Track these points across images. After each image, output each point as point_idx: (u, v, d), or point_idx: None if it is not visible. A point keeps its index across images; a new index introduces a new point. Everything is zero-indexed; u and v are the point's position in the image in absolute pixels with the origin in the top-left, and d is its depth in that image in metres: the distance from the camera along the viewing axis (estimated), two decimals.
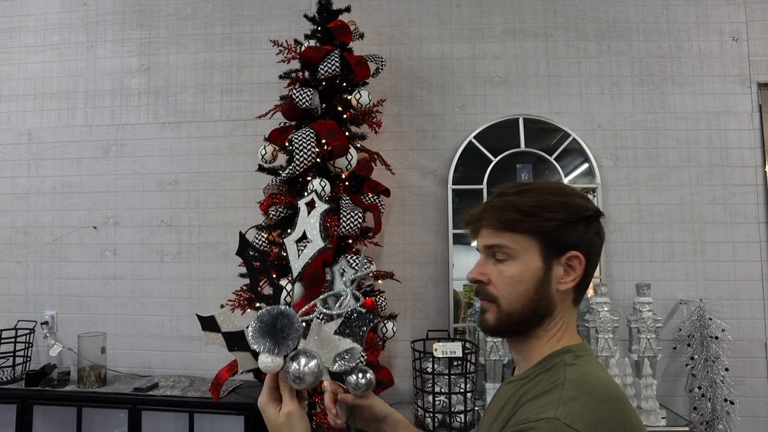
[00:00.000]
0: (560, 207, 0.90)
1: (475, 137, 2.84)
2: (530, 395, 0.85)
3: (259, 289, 2.49)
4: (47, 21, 3.20)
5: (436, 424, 2.20)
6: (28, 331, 2.88)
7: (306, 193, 2.31)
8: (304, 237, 1.07)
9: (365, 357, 1.40)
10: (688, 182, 2.82)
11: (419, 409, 2.28)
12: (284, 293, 1.19)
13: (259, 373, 1.38)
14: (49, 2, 3.22)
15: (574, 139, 2.81)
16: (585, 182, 2.81)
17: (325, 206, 1.03)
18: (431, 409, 2.19)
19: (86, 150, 3.10)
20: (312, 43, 2.54)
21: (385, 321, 2.45)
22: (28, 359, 2.85)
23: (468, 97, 2.93)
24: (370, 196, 2.49)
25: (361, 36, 2.65)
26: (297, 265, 1.05)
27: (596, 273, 2.69)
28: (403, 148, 2.93)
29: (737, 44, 2.87)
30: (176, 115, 3.06)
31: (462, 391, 2.22)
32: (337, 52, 2.40)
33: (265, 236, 2.41)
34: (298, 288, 2.28)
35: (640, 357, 2.29)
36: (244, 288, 2.45)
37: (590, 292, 2.60)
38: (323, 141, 2.29)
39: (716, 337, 2.53)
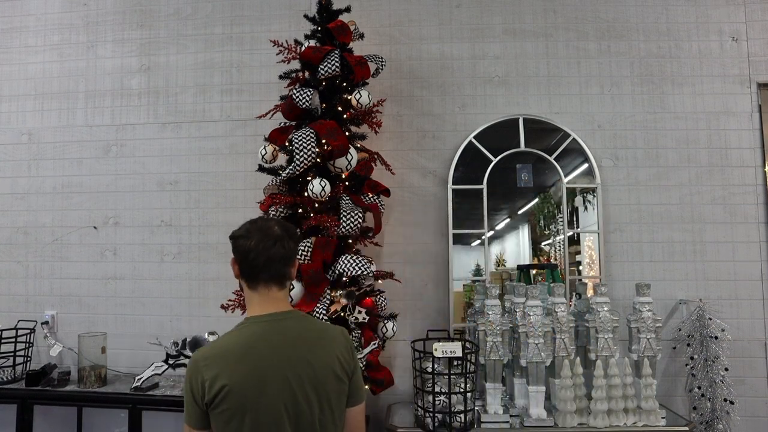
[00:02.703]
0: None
1: (475, 137, 2.84)
2: None
3: None
4: (47, 21, 3.21)
5: (436, 424, 2.20)
6: (29, 331, 2.88)
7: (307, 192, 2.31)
8: None
9: None
10: (688, 182, 2.82)
11: (419, 408, 2.28)
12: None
13: None
14: (50, 2, 3.22)
15: (574, 139, 2.81)
16: (585, 182, 2.81)
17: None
18: (431, 409, 2.19)
19: (86, 150, 3.10)
20: (312, 43, 2.54)
21: (385, 321, 2.45)
22: (29, 359, 2.85)
23: (468, 97, 2.93)
24: (370, 196, 2.49)
25: (361, 36, 2.65)
26: None
27: (596, 273, 2.70)
28: (403, 148, 2.93)
29: (737, 44, 2.87)
30: (176, 115, 3.06)
31: (462, 390, 2.22)
32: (337, 52, 2.40)
33: None
34: (298, 288, 2.28)
35: (639, 357, 2.30)
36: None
37: (590, 291, 2.60)
38: (323, 141, 2.29)
39: (716, 337, 2.53)
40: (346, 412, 1.38)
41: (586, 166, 2.81)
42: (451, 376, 2.18)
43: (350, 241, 2.43)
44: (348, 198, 2.40)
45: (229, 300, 2.40)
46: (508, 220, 2.90)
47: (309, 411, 1.27)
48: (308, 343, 1.33)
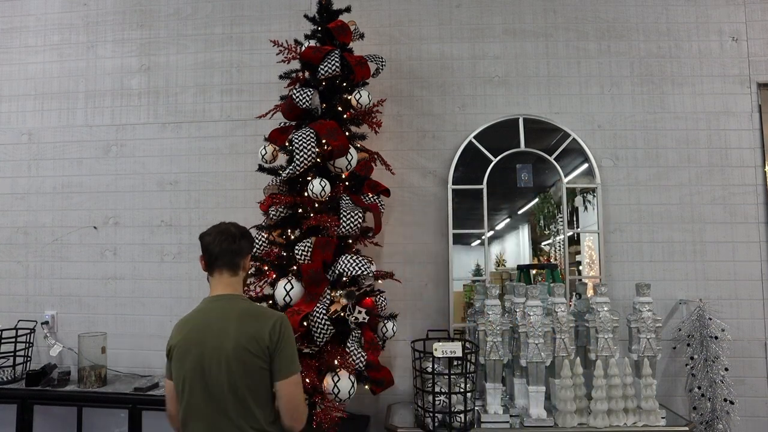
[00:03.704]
0: None
1: (475, 137, 2.84)
2: None
3: (259, 288, 2.49)
4: (47, 21, 3.21)
5: (436, 424, 2.20)
6: (29, 331, 2.89)
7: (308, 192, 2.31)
8: None
9: None
10: (688, 182, 2.82)
11: (419, 408, 2.28)
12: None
13: None
14: (50, 2, 3.22)
15: (574, 139, 2.81)
16: (585, 182, 2.81)
17: None
18: (431, 409, 2.19)
19: (86, 150, 3.10)
20: (312, 43, 2.54)
21: (385, 321, 2.45)
22: (29, 359, 2.85)
23: (468, 97, 2.93)
24: (370, 196, 2.49)
25: (361, 36, 2.65)
26: None
27: (596, 273, 2.70)
28: (403, 148, 2.93)
29: (737, 44, 2.87)
30: (176, 115, 3.06)
31: (462, 390, 2.22)
32: (337, 52, 2.40)
33: (265, 236, 2.41)
34: (297, 288, 2.28)
35: (639, 357, 2.30)
36: (244, 287, 2.45)
37: (590, 291, 2.61)
38: (323, 141, 2.29)
39: (716, 337, 2.53)
40: (275, 384, 1.61)
41: (586, 166, 2.81)
42: (451, 376, 2.18)
43: (350, 241, 2.43)
44: (348, 198, 2.40)
45: None
46: (508, 220, 2.90)
47: (218, 374, 1.57)
48: (232, 320, 1.63)
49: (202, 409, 1.59)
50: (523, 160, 2.83)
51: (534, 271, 2.78)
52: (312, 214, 2.34)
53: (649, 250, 2.79)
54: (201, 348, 1.61)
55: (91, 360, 2.67)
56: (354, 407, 2.70)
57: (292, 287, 2.26)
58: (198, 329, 1.64)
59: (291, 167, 2.31)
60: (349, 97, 2.47)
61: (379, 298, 2.52)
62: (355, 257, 2.29)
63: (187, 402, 1.61)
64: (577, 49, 2.92)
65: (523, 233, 2.90)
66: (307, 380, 2.17)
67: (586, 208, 2.82)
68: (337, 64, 2.36)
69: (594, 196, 2.79)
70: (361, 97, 2.44)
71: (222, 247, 1.71)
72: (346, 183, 2.46)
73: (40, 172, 3.12)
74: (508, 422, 2.26)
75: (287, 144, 2.40)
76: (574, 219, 2.82)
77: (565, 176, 2.80)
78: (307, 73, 2.51)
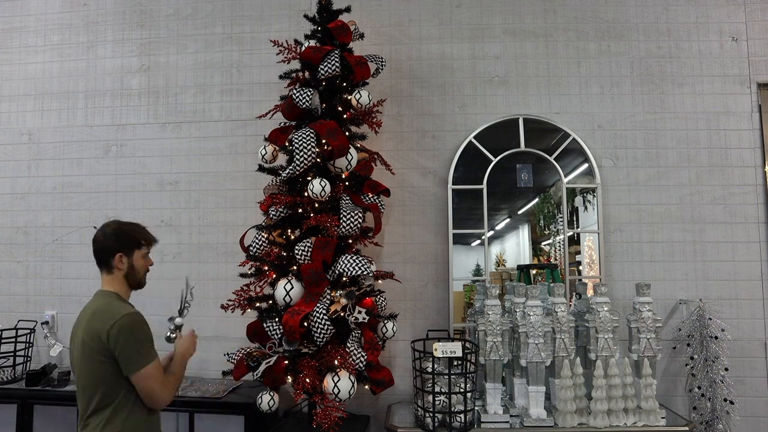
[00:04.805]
0: None
1: (475, 137, 2.84)
2: None
3: (259, 288, 2.48)
4: (48, 21, 3.21)
5: (436, 424, 2.20)
6: (29, 331, 2.89)
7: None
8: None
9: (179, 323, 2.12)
10: (688, 182, 2.82)
11: (419, 408, 2.28)
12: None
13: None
14: (50, 2, 3.22)
15: (574, 139, 2.81)
16: (585, 182, 2.81)
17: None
18: (431, 409, 2.19)
19: (86, 150, 3.10)
20: (312, 43, 2.54)
21: (385, 321, 2.45)
22: (29, 359, 2.85)
23: (468, 97, 2.93)
24: (370, 196, 2.49)
25: (361, 36, 2.65)
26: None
27: (596, 273, 2.70)
28: (403, 148, 2.93)
29: (737, 44, 2.87)
30: (176, 115, 3.06)
31: (462, 391, 2.22)
32: (337, 52, 2.40)
33: (265, 236, 2.41)
34: (297, 288, 2.28)
35: (639, 357, 2.30)
36: (244, 288, 2.46)
37: (590, 291, 2.60)
38: (323, 141, 2.29)
39: (716, 337, 2.53)
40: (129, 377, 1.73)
41: (586, 166, 2.81)
42: (451, 376, 2.18)
43: (350, 241, 2.43)
44: (348, 198, 2.40)
45: (229, 300, 2.40)
46: (508, 220, 2.90)
47: (76, 364, 1.75)
48: (86, 316, 1.78)
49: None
50: (523, 160, 2.83)
51: (534, 271, 2.78)
52: (312, 214, 2.34)
53: (649, 250, 2.79)
54: (72, 336, 1.83)
55: None
56: (354, 407, 2.70)
57: (292, 287, 2.26)
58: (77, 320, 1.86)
59: (291, 167, 2.31)
60: (349, 97, 2.47)
61: (379, 298, 2.52)
62: (355, 257, 2.29)
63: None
64: (577, 49, 2.92)
65: (523, 233, 2.90)
66: (307, 380, 2.18)
67: (586, 208, 2.82)
68: (337, 64, 2.36)
69: (594, 196, 2.79)
70: (361, 97, 2.44)
71: (93, 247, 1.90)
72: (346, 183, 2.46)
73: (40, 172, 3.12)
74: (508, 422, 2.26)
75: (287, 144, 2.40)
76: (574, 219, 2.82)
77: (565, 176, 2.79)
78: (307, 73, 2.51)
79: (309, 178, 2.36)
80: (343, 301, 2.24)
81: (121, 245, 1.89)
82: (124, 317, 1.76)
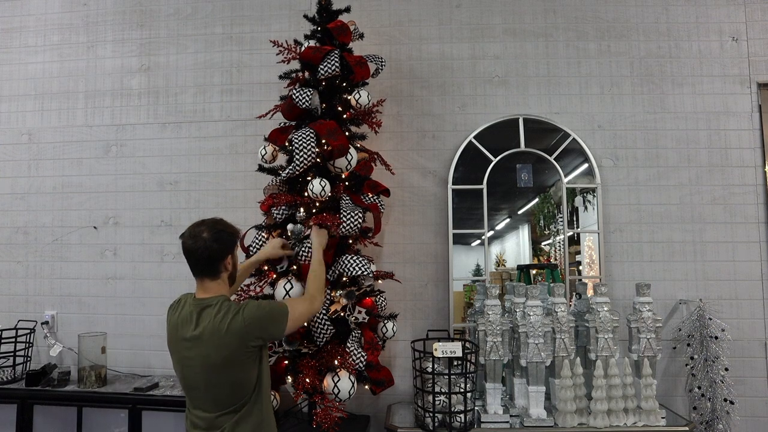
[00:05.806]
0: None
1: (475, 137, 2.84)
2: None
3: (259, 288, 2.47)
4: (48, 21, 3.21)
5: (436, 424, 2.20)
6: (29, 331, 2.89)
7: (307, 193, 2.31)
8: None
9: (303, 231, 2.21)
10: (688, 182, 2.82)
11: (419, 408, 2.28)
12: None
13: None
14: (50, 2, 3.22)
15: (574, 139, 2.81)
16: (585, 182, 2.81)
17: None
18: (431, 409, 2.19)
19: (86, 150, 3.10)
20: (312, 43, 2.54)
21: (385, 321, 2.45)
22: (29, 359, 2.85)
23: (468, 97, 2.93)
24: (370, 196, 2.49)
25: (361, 36, 2.65)
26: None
27: (596, 273, 2.70)
28: (403, 148, 2.93)
29: (737, 44, 2.87)
30: (176, 115, 3.06)
31: (462, 391, 2.22)
32: (337, 52, 2.40)
33: (265, 236, 2.41)
34: (297, 288, 2.28)
35: (640, 357, 2.30)
36: (244, 287, 2.45)
37: (590, 291, 2.61)
38: (323, 141, 2.29)
39: (716, 337, 2.53)
40: None
41: (586, 166, 2.81)
42: (451, 376, 2.18)
43: (350, 241, 2.43)
44: (348, 198, 2.40)
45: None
46: (508, 220, 2.90)
47: (201, 379, 1.71)
48: (209, 329, 1.69)
49: None
50: (523, 160, 2.83)
51: (534, 271, 2.78)
52: (312, 214, 2.34)
53: (649, 250, 2.79)
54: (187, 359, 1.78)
55: (91, 360, 2.67)
56: (354, 407, 2.70)
57: (292, 287, 2.26)
58: None
59: (291, 167, 2.31)
60: (348, 97, 2.47)
61: (379, 298, 2.52)
62: (355, 257, 2.30)
63: None
64: (577, 49, 2.92)
65: (523, 233, 2.90)
66: (307, 380, 2.18)
67: (586, 208, 2.82)
68: (337, 64, 2.36)
69: (594, 196, 2.79)
70: (361, 97, 2.44)
71: (196, 258, 1.76)
72: (346, 183, 2.46)
73: (40, 172, 3.12)
74: (508, 422, 2.26)
75: (287, 144, 2.40)
76: (574, 219, 2.82)
77: (565, 176, 2.79)
78: (307, 73, 2.50)
79: (309, 178, 2.36)
80: (343, 301, 2.24)
81: (226, 247, 1.78)
82: (244, 304, 1.74)
